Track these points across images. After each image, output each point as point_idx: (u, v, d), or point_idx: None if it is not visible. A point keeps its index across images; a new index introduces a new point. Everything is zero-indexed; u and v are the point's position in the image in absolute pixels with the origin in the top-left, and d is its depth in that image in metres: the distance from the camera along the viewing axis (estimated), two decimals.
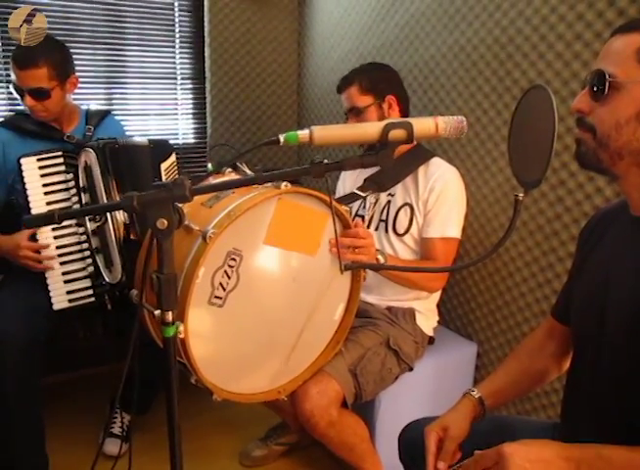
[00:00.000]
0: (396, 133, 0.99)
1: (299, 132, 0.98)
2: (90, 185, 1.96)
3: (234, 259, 1.44)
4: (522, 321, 2.03)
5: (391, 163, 1.00)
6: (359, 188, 1.95)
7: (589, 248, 1.17)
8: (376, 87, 1.93)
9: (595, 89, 0.98)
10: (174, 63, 2.84)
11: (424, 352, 2.02)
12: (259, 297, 1.54)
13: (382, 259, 1.71)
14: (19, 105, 2.49)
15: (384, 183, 1.93)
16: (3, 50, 2.46)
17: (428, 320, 2.05)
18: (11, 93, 2.46)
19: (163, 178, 2.06)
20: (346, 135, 1.00)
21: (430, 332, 2.05)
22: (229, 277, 1.45)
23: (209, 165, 1.85)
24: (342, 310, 1.74)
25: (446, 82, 2.20)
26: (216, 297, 1.43)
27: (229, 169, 1.68)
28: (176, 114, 2.91)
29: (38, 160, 1.99)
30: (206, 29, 2.78)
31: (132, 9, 2.68)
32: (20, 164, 1.95)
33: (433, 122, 0.99)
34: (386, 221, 2.00)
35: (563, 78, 1.78)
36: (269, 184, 1.58)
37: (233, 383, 1.57)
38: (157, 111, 2.87)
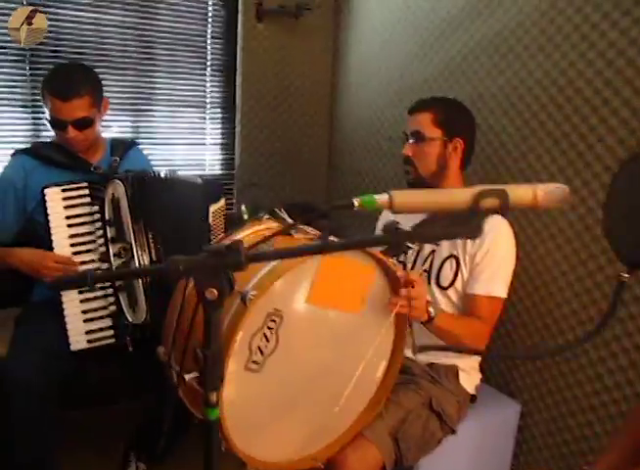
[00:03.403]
0: (489, 202, 0.86)
1: (377, 197, 0.86)
2: (116, 218, 1.85)
3: (274, 321, 1.32)
4: (573, 383, 1.88)
5: (481, 234, 0.87)
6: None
7: None
8: (450, 124, 1.80)
9: None
10: (204, 90, 2.74)
11: (466, 413, 1.87)
12: (298, 359, 1.42)
13: (433, 312, 1.57)
14: (43, 131, 2.42)
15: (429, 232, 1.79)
16: (31, 74, 2.37)
17: (471, 378, 1.90)
18: (37, 120, 2.40)
19: (210, 221, 1.94)
20: (431, 202, 0.87)
21: (472, 390, 1.90)
22: (268, 340, 1.32)
23: (243, 208, 1.74)
24: (384, 368, 1.61)
25: (495, 123, 2.08)
26: (254, 362, 1.30)
27: (267, 216, 1.57)
28: (204, 143, 2.81)
29: (63, 190, 1.88)
30: (239, 57, 2.68)
31: (164, 34, 2.60)
32: (43, 195, 1.84)
33: (531, 191, 0.86)
34: (429, 272, 1.86)
35: (630, 128, 1.65)
36: (308, 230, 1.47)
37: (266, 451, 1.44)
38: (184, 140, 2.76)
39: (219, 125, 2.82)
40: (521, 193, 0.86)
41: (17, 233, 2.00)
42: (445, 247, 1.84)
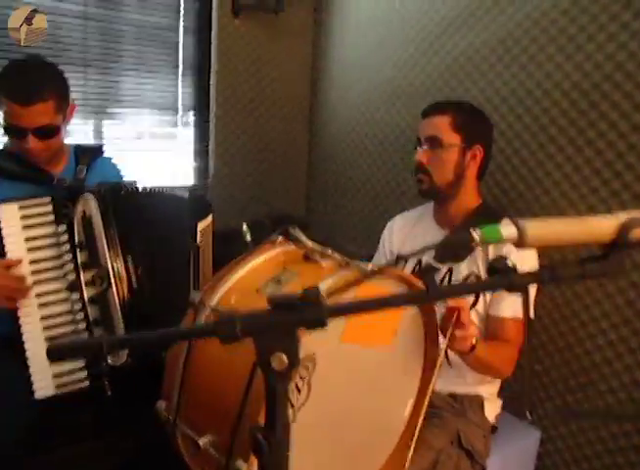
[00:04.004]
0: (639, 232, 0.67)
1: (503, 230, 0.66)
2: (88, 240, 1.57)
3: (306, 368, 1.10)
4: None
5: (624, 272, 0.68)
6: (434, 257, 1.63)
7: None
8: (470, 130, 1.63)
9: None
10: (175, 91, 2.47)
11: (491, 446, 1.71)
12: (330, 405, 1.23)
13: (474, 342, 1.39)
14: None
15: (458, 251, 1.62)
16: None
17: (493, 407, 1.75)
18: None
19: (198, 241, 1.68)
20: (569, 234, 0.68)
21: (493, 420, 1.75)
22: (299, 391, 1.10)
23: (245, 227, 1.51)
24: (412, 406, 1.43)
25: (507, 130, 1.92)
26: None
27: (280, 238, 1.34)
28: (174, 150, 2.53)
29: (21, 207, 1.59)
30: (213, 55, 2.43)
31: (130, 27, 2.31)
32: None
33: None
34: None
35: None
36: (331, 253, 1.26)
37: None
38: (152, 147, 2.47)
39: (192, 130, 2.55)
40: None
41: None
42: (465, 265, 1.67)
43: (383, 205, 2.45)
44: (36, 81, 1.58)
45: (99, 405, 1.68)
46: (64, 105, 1.66)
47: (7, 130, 1.61)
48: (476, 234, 0.66)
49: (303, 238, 1.31)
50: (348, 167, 2.60)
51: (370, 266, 1.19)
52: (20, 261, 1.53)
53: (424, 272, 1.59)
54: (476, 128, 1.66)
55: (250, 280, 1.19)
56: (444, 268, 1.69)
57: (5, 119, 1.58)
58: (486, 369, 1.60)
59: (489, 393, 1.75)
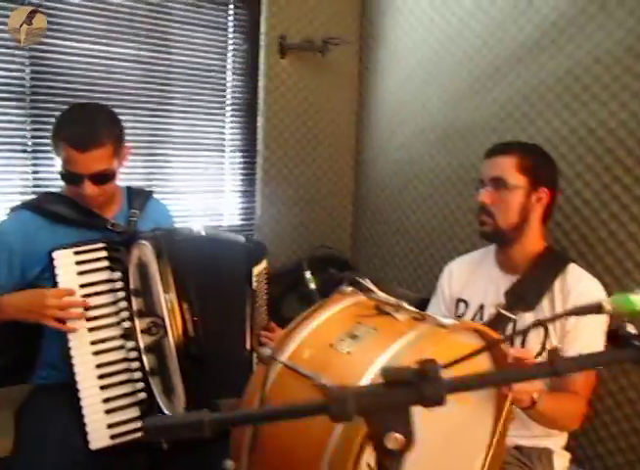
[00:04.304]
0: None
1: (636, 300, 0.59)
2: (144, 288, 1.55)
3: None
4: None
5: None
6: (503, 306, 1.56)
7: None
8: (537, 172, 1.58)
9: None
10: (223, 132, 2.47)
11: None
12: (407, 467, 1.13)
13: (535, 396, 1.32)
14: (44, 180, 2.10)
15: (527, 299, 1.55)
16: (31, 115, 2.06)
17: (562, 461, 1.64)
18: (38, 167, 2.08)
19: (254, 286, 1.64)
20: None
21: None
22: None
23: (309, 275, 1.46)
24: (482, 462, 1.33)
25: (567, 170, 1.85)
26: None
27: (349, 289, 1.28)
28: (222, 190, 2.51)
29: (76, 253, 1.57)
30: (260, 96, 2.43)
31: (180, 69, 2.32)
32: (51, 259, 1.53)
33: None
34: (510, 342, 1.60)
35: None
36: (406, 306, 1.20)
37: None
38: (200, 187, 2.46)
39: (239, 171, 2.54)
40: None
41: None
42: (530, 312, 1.59)
43: (432, 247, 2.38)
44: (94, 126, 1.57)
45: (153, 458, 1.63)
46: (120, 149, 1.65)
47: (63, 176, 1.61)
48: (607, 304, 0.60)
49: (374, 288, 1.25)
50: (397, 208, 2.55)
51: (446, 320, 1.13)
52: (73, 292, 1.51)
53: (497, 322, 1.52)
54: (542, 171, 1.61)
55: (322, 334, 1.13)
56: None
57: (63, 165, 1.58)
58: (551, 423, 1.52)
59: (560, 446, 1.65)
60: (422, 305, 1.71)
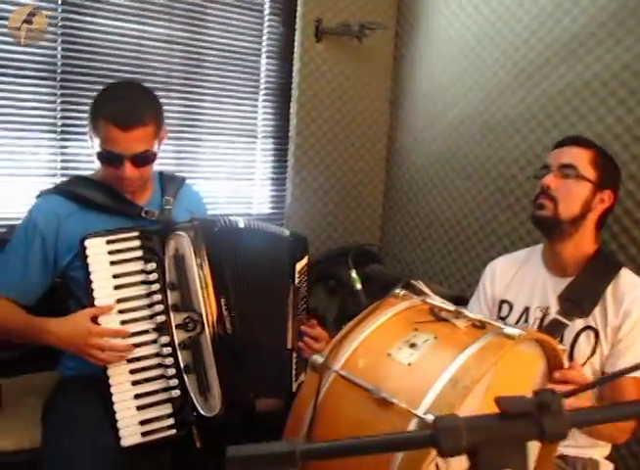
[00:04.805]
0: None
1: None
2: (181, 281, 1.47)
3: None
4: None
5: None
6: (558, 312, 1.49)
7: None
8: (606, 172, 1.53)
9: None
10: (256, 117, 2.39)
11: None
12: None
13: None
14: (72, 163, 2.04)
15: (582, 305, 1.48)
16: (61, 94, 1.98)
17: None
18: (65, 149, 2.01)
19: (296, 282, 1.57)
20: None
21: None
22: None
23: (354, 275, 1.40)
24: None
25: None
26: None
27: (403, 292, 1.22)
28: (253, 178, 2.44)
29: (109, 242, 1.48)
30: (295, 81, 2.34)
31: (214, 51, 2.25)
32: (84, 247, 1.44)
33: None
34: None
35: None
36: (468, 315, 1.14)
37: None
38: (230, 174, 2.39)
39: (270, 158, 2.47)
40: None
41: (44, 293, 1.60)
42: (580, 319, 1.53)
43: (467, 243, 2.31)
44: (137, 106, 1.50)
45: (178, 455, 1.59)
46: (160, 130, 1.58)
47: (102, 157, 1.52)
48: None
49: (430, 292, 1.19)
50: (431, 201, 2.47)
51: (510, 330, 1.07)
52: (111, 308, 1.43)
53: (553, 328, 1.46)
54: (611, 172, 1.56)
55: (378, 341, 1.07)
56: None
57: (101, 145, 1.50)
58: (597, 436, 1.47)
59: (603, 455, 1.59)
60: (455, 302, 1.64)
